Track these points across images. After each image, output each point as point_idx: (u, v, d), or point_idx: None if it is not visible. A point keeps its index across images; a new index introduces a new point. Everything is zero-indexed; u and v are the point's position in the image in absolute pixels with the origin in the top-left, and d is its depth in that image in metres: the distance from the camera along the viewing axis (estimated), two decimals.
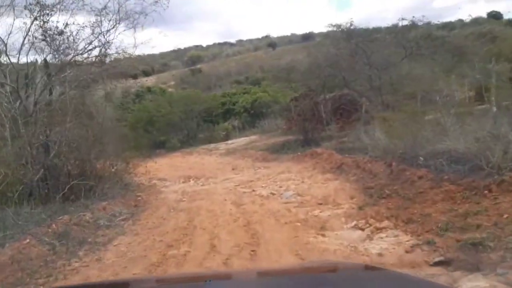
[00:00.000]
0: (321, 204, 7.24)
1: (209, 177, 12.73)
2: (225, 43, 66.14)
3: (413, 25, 16.64)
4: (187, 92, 30.64)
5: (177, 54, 57.93)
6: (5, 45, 8.98)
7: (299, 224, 6.10)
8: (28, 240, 5.83)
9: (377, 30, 18.99)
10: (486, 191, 5.17)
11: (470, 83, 14.37)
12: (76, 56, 9.76)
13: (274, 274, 2.18)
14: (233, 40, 67.85)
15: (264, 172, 12.01)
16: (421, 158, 7.23)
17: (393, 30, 17.02)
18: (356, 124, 13.76)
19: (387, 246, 4.67)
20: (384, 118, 10.85)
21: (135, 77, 24.24)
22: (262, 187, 9.59)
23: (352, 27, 17.02)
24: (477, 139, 6.47)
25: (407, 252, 4.42)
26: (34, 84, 9.50)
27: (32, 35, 9.03)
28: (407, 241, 4.69)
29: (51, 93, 9.86)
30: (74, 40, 9.58)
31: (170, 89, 36.96)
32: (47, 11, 8.86)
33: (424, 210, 5.40)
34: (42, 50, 9.56)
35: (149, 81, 40.27)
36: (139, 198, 9.72)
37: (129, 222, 7.48)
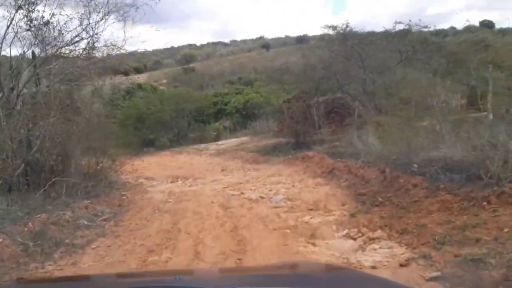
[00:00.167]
0: (311, 209, 6.97)
1: (197, 178, 12.44)
2: (219, 43, 66.04)
3: (409, 30, 16.48)
4: (178, 90, 30.16)
5: (171, 52, 57.38)
6: None
7: (288, 231, 5.83)
8: (1, 240, 5.54)
9: (372, 34, 18.79)
10: (484, 203, 4.94)
11: (462, 91, 14.27)
12: (62, 48, 9.42)
13: (237, 272, 2.37)
14: (227, 40, 67.82)
15: (254, 175, 11.73)
16: (415, 165, 7.00)
17: (389, 34, 16.83)
18: (348, 129, 13.53)
19: (380, 258, 4.42)
20: (378, 123, 10.67)
21: (126, 73, 23.75)
22: (251, 190, 9.32)
23: (348, 29, 16.86)
24: (474, 147, 6.27)
25: (402, 265, 4.17)
26: (18, 75, 9.16)
27: (16, 24, 8.65)
28: (402, 254, 4.45)
29: (37, 86, 9.52)
30: (60, 31, 9.25)
31: (162, 87, 36.44)
32: (33, 0, 8.52)
33: (419, 221, 5.15)
34: (27, 41, 9.18)
35: (141, 78, 39.65)
36: (124, 197, 9.42)
37: (111, 222, 7.18)
